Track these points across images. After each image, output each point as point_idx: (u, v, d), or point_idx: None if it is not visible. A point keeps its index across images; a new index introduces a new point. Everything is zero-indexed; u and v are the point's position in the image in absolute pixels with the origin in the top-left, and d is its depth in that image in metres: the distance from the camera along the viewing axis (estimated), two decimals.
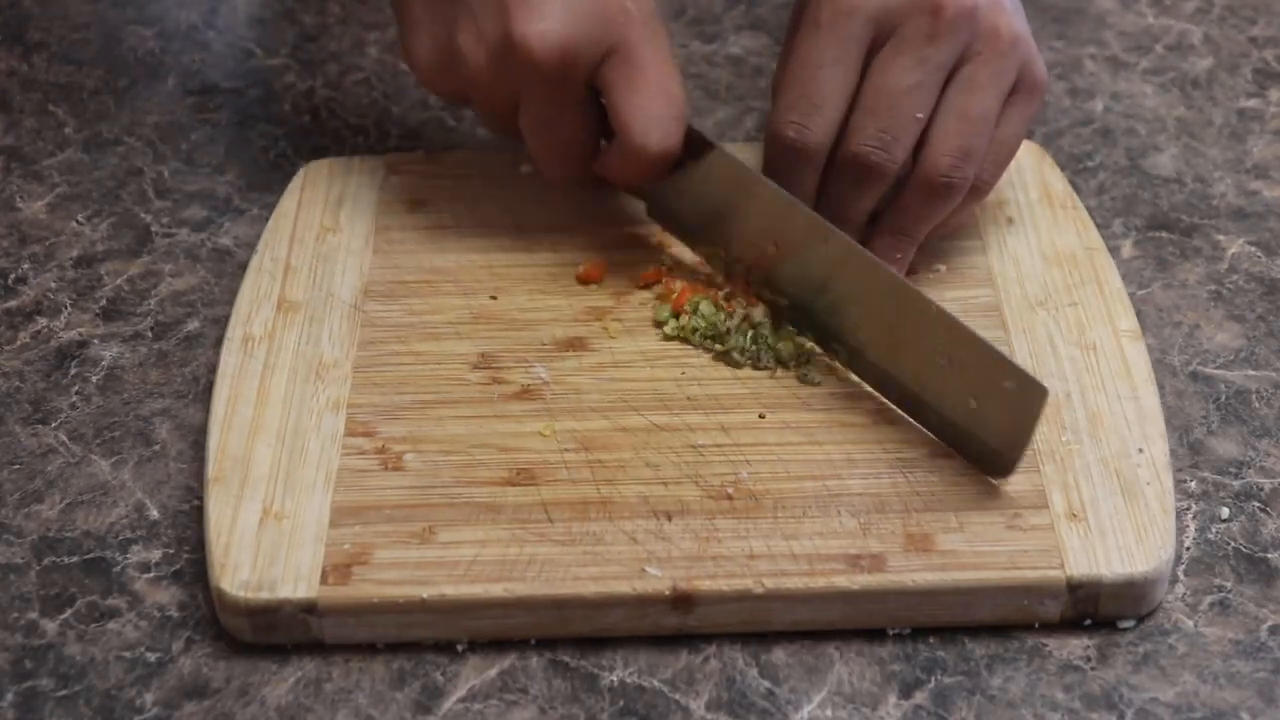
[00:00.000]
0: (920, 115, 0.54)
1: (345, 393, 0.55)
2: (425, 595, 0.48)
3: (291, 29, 0.77)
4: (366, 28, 0.77)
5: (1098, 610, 0.49)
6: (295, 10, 0.78)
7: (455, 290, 0.59)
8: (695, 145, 0.57)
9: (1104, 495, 0.51)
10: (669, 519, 0.50)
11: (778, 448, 0.53)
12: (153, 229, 0.65)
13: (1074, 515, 0.50)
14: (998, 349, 0.50)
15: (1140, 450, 0.52)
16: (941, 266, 0.60)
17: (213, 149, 0.70)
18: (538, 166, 0.60)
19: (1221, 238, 0.64)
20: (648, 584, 0.49)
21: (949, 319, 0.51)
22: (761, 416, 0.54)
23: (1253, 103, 0.71)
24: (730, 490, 0.51)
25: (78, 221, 0.66)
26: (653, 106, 0.55)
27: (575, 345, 0.57)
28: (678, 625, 0.49)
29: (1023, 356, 0.56)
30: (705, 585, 0.49)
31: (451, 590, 0.48)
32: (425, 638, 0.49)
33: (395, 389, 0.55)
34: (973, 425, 0.51)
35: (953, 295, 0.58)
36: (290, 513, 0.51)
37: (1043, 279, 0.59)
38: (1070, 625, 0.49)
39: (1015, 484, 0.51)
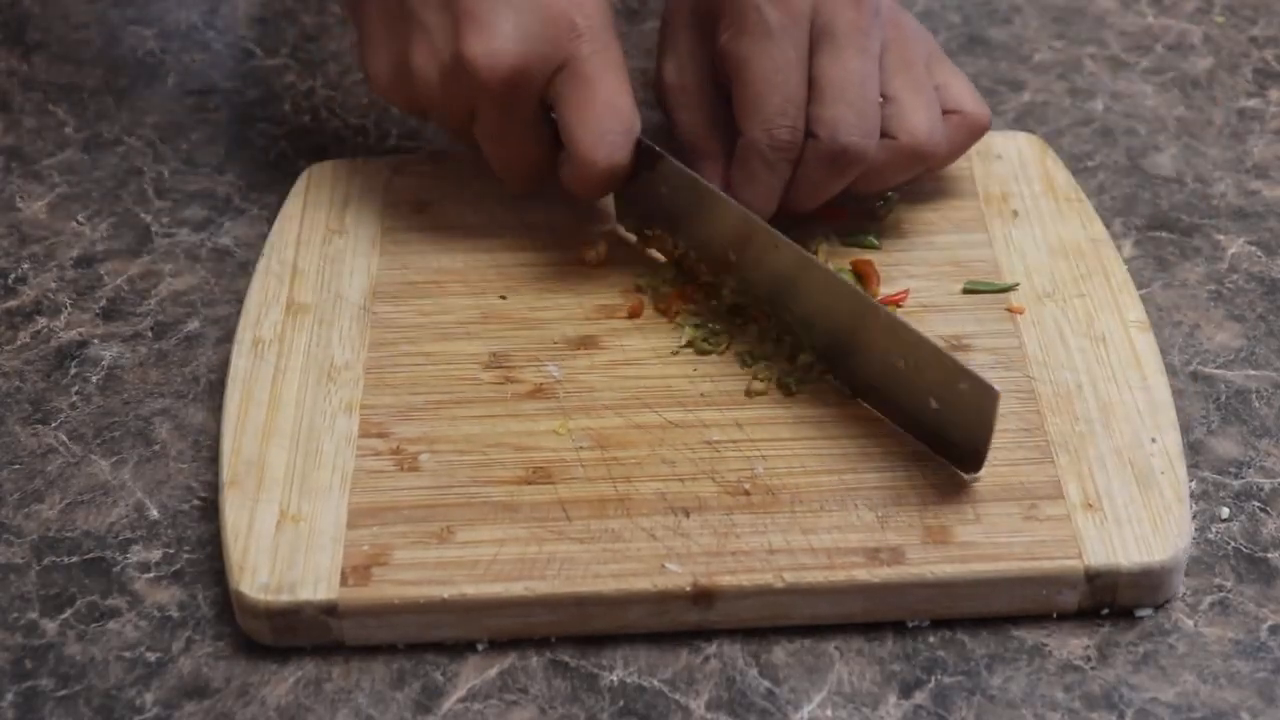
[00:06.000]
0: (880, 99, 0.57)
1: (358, 394, 0.55)
2: (446, 595, 0.48)
3: (291, 29, 0.76)
4: None
5: (1115, 599, 0.49)
6: (295, 10, 0.78)
7: (464, 290, 0.59)
8: (646, 156, 0.57)
9: (1119, 485, 0.51)
10: (687, 515, 0.50)
11: (793, 442, 0.53)
12: (153, 229, 0.65)
13: (1090, 505, 0.50)
14: (949, 353, 0.51)
15: (1153, 440, 0.52)
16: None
17: (213, 149, 0.69)
18: (497, 178, 0.60)
19: (1221, 237, 0.64)
20: (668, 580, 0.48)
21: (900, 324, 0.52)
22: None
23: (1253, 103, 0.71)
24: (747, 485, 0.51)
25: (78, 221, 0.65)
26: (600, 122, 0.56)
27: (587, 343, 0.57)
28: (698, 621, 0.49)
29: (1032, 348, 0.56)
30: (726, 580, 0.48)
31: (472, 589, 0.48)
32: (446, 638, 0.49)
33: (408, 390, 0.55)
34: (937, 424, 0.52)
35: None
36: (307, 515, 0.51)
37: (1049, 271, 0.59)
38: (1081, 616, 0.49)
39: (1031, 475, 0.51)
